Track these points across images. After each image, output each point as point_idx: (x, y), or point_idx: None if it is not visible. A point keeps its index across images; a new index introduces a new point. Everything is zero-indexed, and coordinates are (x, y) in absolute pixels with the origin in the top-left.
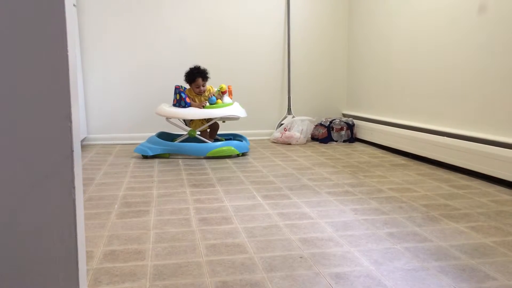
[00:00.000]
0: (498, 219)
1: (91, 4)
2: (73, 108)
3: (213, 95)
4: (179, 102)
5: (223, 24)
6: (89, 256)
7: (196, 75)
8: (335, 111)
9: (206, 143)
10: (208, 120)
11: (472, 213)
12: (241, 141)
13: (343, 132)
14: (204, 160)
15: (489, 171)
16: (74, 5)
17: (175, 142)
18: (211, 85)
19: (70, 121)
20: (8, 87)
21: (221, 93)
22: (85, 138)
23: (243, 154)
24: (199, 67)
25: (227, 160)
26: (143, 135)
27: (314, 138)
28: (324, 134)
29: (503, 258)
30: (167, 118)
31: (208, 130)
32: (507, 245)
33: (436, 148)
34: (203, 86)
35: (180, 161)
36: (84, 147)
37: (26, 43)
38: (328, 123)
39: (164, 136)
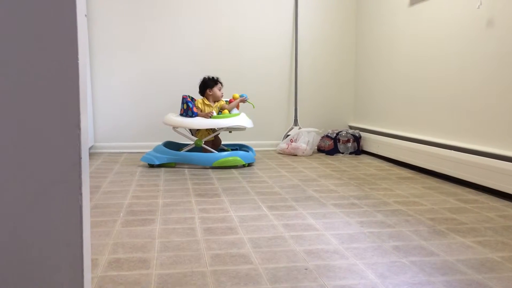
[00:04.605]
0: (505, 234)
1: (101, 14)
2: (82, 116)
3: (221, 107)
4: (186, 111)
5: (231, 35)
6: (94, 263)
7: (217, 79)
8: (342, 123)
9: (212, 153)
10: (214, 130)
11: (479, 228)
12: (247, 151)
13: (349, 144)
14: (210, 170)
15: (496, 185)
16: (85, 15)
17: (182, 151)
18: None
19: (79, 129)
20: (19, 95)
21: (229, 102)
22: (92, 146)
23: (249, 165)
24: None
25: (233, 170)
26: (150, 144)
27: (320, 150)
28: (331, 146)
29: (510, 274)
30: (174, 128)
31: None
32: None
33: (443, 161)
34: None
35: (186, 170)
36: (91, 155)
37: (38, 52)
38: (335, 135)
39: (171, 145)
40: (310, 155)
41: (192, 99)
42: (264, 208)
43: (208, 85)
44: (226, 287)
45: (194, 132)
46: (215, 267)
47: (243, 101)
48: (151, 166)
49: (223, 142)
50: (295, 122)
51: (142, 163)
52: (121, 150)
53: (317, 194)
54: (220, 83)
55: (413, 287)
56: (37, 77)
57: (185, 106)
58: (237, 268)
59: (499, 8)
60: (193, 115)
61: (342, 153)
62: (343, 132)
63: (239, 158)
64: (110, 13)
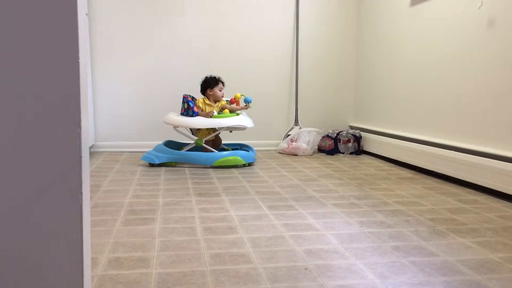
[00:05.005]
0: (505, 235)
1: (102, 13)
2: (83, 115)
3: (222, 106)
4: (187, 111)
5: (232, 35)
6: (94, 262)
7: (218, 79)
8: (342, 123)
9: (212, 153)
10: (214, 129)
11: (479, 228)
12: (248, 151)
13: (350, 144)
14: (210, 170)
15: (497, 186)
16: (86, 14)
17: (182, 151)
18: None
19: (80, 128)
20: (20, 94)
21: (230, 102)
22: (92, 145)
23: (250, 164)
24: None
25: (233, 170)
26: (150, 143)
27: (320, 150)
28: (331, 146)
29: (509, 274)
30: (175, 127)
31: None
32: None
33: (444, 162)
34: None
35: (186, 170)
36: (91, 154)
37: (39, 50)
38: (335, 135)
39: (171, 144)
40: (311, 155)
41: (193, 98)
42: (264, 208)
43: (209, 84)
44: (225, 287)
45: (194, 131)
46: (215, 267)
47: (246, 108)
48: (152, 165)
49: (223, 142)
50: (296, 122)
51: (142, 162)
52: (122, 149)
53: (317, 194)
54: (222, 82)
55: (413, 287)
56: (38, 76)
57: (185, 106)
58: (237, 268)
59: (500, 8)
60: (193, 114)
61: (343, 153)
62: (343, 132)
63: (239, 158)
64: (111, 11)
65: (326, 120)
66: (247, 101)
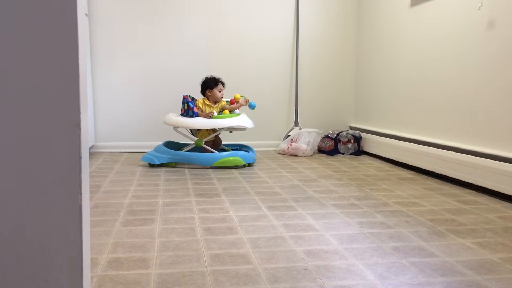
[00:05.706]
0: (505, 236)
1: (102, 13)
2: (83, 115)
3: (222, 107)
4: (187, 111)
5: (232, 35)
6: (93, 263)
7: (218, 80)
8: (342, 123)
9: (212, 153)
10: (214, 130)
11: (479, 229)
12: (248, 151)
13: (350, 145)
14: (210, 170)
15: (497, 187)
16: (86, 14)
17: (182, 151)
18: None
19: (79, 128)
20: (20, 94)
21: (230, 103)
22: (92, 145)
23: (250, 165)
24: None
25: (233, 171)
26: (150, 143)
27: (320, 150)
28: (331, 147)
29: (509, 275)
30: (175, 127)
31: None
32: None
33: (444, 162)
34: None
35: (186, 170)
36: (91, 154)
37: (38, 51)
38: (335, 135)
39: (171, 145)
40: (311, 155)
41: (193, 99)
42: (264, 208)
43: (208, 85)
44: (225, 287)
45: (194, 132)
46: (214, 267)
47: (245, 102)
48: (152, 165)
49: (223, 142)
50: (296, 123)
51: (142, 162)
52: (122, 150)
53: (317, 194)
54: (222, 83)
55: None
56: (38, 76)
57: (185, 106)
58: (237, 268)
59: (500, 9)
60: (193, 115)
61: (343, 153)
62: (343, 132)
63: (239, 158)
64: (111, 12)
65: (326, 120)
66: (251, 106)
